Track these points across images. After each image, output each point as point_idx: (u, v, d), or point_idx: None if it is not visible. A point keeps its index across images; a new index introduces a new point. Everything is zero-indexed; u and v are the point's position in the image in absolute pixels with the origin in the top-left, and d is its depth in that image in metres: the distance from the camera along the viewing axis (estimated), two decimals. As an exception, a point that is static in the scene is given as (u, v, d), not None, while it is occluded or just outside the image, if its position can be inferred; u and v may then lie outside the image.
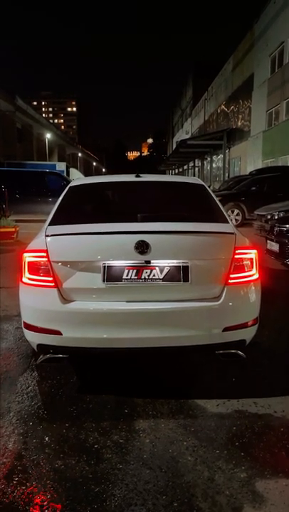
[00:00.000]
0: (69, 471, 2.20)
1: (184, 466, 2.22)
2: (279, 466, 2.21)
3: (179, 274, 2.72)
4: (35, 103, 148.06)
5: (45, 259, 2.77)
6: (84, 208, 3.81)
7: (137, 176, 3.71)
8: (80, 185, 3.88)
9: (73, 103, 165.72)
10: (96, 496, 2.02)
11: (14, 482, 2.10)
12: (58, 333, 2.69)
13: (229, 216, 3.54)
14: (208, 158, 41.73)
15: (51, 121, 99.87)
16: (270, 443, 2.41)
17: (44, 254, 2.78)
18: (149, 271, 2.71)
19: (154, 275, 2.71)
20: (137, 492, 2.04)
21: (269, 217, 8.94)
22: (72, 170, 34.66)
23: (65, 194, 3.53)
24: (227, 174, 33.31)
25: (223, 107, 38.12)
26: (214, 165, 39.63)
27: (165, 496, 2.01)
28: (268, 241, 7.15)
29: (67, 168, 32.62)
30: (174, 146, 55.30)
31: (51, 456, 2.31)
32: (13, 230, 10.54)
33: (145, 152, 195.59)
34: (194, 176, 47.97)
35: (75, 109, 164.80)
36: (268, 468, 2.20)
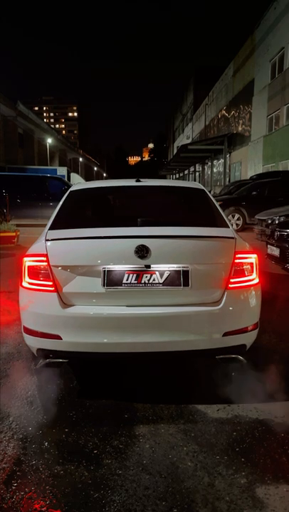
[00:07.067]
0: (68, 476, 2.18)
1: (184, 471, 2.21)
2: (279, 472, 2.20)
3: (179, 279, 2.72)
4: (36, 108, 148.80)
5: (45, 264, 2.77)
6: (84, 212, 3.82)
7: (138, 181, 3.72)
8: (81, 189, 3.88)
9: (74, 108, 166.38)
10: (95, 501, 2.00)
11: (13, 487, 2.09)
12: (58, 337, 2.69)
13: (230, 221, 3.55)
14: (209, 163, 41.83)
15: (52, 126, 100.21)
16: (270, 448, 2.39)
17: (44, 258, 2.78)
18: (149, 275, 2.71)
19: (154, 279, 2.71)
20: (136, 498, 2.02)
21: (270, 221, 8.93)
22: (73, 175, 34.75)
23: (66, 198, 3.53)
24: (228, 179, 33.39)
25: (223, 112, 38.25)
26: (215, 170, 39.72)
27: (165, 501, 2.00)
28: (269, 246, 7.16)
29: (68, 172, 32.71)
30: (175, 151, 55.48)
31: (50, 461, 2.30)
32: (14, 234, 10.56)
33: (146, 157, 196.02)
34: (195, 180, 48.06)
35: (76, 114, 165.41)
36: (269, 473, 2.19)
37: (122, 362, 3.43)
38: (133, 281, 2.70)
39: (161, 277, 2.71)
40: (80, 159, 69.02)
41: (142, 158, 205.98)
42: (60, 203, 3.46)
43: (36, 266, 2.81)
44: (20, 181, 16.97)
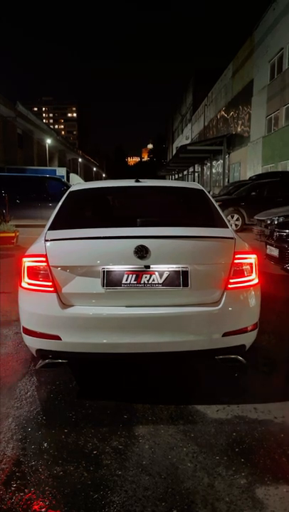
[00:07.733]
0: (68, 477, 2.18)
1: (184, 472, 2.21)
2: (279, 472, 2.20)
3: (179, 279, 2.71)
4: (35, 109, 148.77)
5: (44, 264, 2.77)
6: (84, 212, 3.82)
7: (137, 181, 3.72)
8: (80, 190, 3.88)
9: (74, 109, 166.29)
10: (95, 502, 2.00)
11: (12, 488, 2.08)
12: (57, 338, 2.69)
13: (229, 221, 3.55)
14: (208, 164, 41.84)
15: (52, 126, 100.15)
16: (270, 449, 2.39)
17: (43, 258, 2.77)
18: (148, 276, 2.70)
19: (153, 280, 2.70)
20: (136, 499, 2.02)
21: (269, 222, 8.94)
22: (72, 175, 34.75)
23: (65, 199, 3.53)
24: (227, 179, 33.40)
25: (222, 112, 38.26)
26: (214, 170, 39.73)
27: (164, 502, 1.99)
28: (268, 246, 7.16)
29: (68, 173, 32.71)
30: (174, 152, 55.48)
31: (50, 462, 2.29)
32: (13, 235, 10.55)
33: (145, 157, 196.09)
34: (194, 181, 48.05)
35: (75, 114, 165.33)
36: (268, 474, 2.18)
37: (122, 362, 3.43)
38: (132, 282, 2.69)
39: (161, 278, 2.71)
40: (80, 160, 68.98)
41: (141, 159, 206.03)
42: (60, 203, 3.45)
43: (35, 266, 2.80)
44: (19, 182, 16.95)
